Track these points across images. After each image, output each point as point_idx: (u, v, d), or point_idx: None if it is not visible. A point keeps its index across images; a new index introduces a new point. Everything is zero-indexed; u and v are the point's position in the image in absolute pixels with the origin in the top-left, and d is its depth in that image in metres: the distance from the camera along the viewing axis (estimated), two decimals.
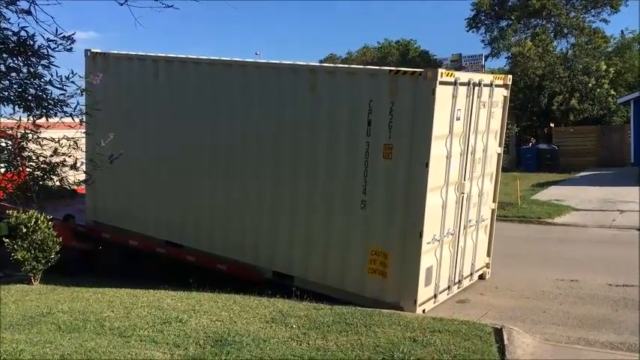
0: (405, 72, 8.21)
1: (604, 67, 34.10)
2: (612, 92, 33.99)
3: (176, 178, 11.02)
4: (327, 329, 7.03)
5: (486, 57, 38.94)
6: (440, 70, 7.91)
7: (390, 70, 8.43)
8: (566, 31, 37.32)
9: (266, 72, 9.75)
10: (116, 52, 11.91)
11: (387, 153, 8.24)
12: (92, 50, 11.94)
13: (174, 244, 11.16)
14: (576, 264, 11.05)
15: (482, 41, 40.17)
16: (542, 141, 32.67)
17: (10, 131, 5.88)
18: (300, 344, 6.57)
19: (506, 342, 6.70)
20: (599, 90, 33.41)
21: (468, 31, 40.85)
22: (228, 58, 10.40)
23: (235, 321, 7.45)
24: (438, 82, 7.81)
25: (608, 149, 30.17)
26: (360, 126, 8.45)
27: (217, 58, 10.54)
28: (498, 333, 6.99)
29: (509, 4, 38.90)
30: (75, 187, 6.27)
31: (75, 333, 7.20)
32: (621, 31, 39.93)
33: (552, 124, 33.73)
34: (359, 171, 8.51)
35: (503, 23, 39.27)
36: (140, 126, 11.46)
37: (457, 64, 36.64)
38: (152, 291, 9.29)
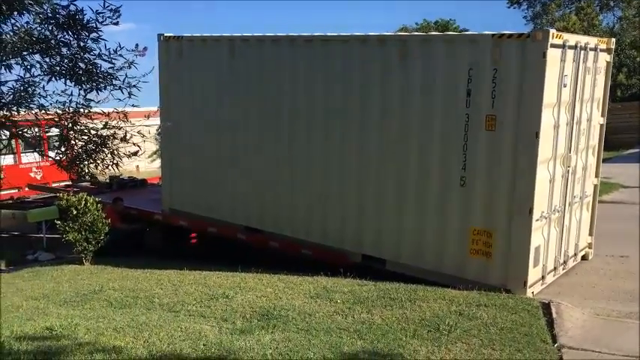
0: (511, 35, 7.65)
1: None
2: None
3: (254, 162, 10.62)
4: (372, 304, 7.05)
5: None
6: (551, 31, 7.39)
7: (494, 35, 7.84)
8: (612, 3, 36.01)
9: (352, 45, 9.21)
10: (189, 35, 11.57)
11: (489, 124, 7.75)
12: (165, 35, 11.69)
13: (253, 229, 10.83)
14: (626, 240, 10.72)
15: (525, 17, 39.14)
16: None
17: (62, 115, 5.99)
18: (346, 318, 6.62)
19: (554, 315, 6.61)
20: None
21: (509, 7, 39.85)
22: (310, 34, 9.82)
23: (280, 297, 7.55)
24: (549, 44, 7.32)
25: None
26: (458, 97, 7.96)
27: (298, 34, 9.96)
28: (546, 307, 6.89)
29: None
30: (136, 171, 6.43)
31: (126, 309, 7.44)
32: None
33: None
34: (457, 145, 8.03)
35: None
36: (216, 109, 11.14)
37: None
38: (198, 271, 9.48)
